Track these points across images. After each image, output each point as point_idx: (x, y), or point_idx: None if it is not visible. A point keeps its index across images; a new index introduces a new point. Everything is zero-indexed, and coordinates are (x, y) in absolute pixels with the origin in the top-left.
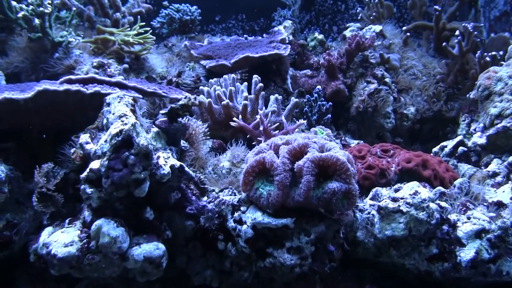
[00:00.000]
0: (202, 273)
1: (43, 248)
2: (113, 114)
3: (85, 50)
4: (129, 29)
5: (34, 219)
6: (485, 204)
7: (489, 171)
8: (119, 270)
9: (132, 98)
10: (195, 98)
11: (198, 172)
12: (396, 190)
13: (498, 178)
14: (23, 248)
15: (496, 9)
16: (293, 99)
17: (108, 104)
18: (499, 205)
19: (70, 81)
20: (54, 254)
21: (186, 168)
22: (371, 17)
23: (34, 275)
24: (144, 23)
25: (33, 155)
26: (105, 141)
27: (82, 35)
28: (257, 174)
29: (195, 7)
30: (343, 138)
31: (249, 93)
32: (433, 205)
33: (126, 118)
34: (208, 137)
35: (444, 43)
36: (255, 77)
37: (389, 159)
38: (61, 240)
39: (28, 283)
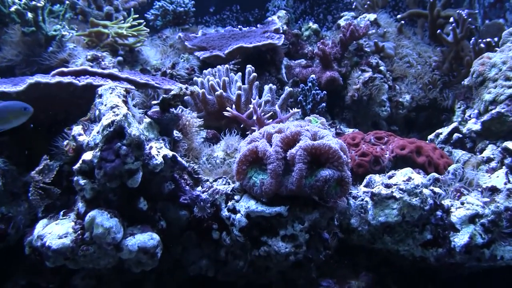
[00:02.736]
0: (197, 263)
1: (38, 240)
2: (105, 105)
3: (79, 43)
4: (123, 21)
5: (29, 212)
6: (479, 189)
7: (483, 157)
8: (114, 260)
9: (124, 89)
10: (186, 88)
11: (192, 162)
12: (390, 177)
13: (493, 164)
14: (19, 241)
15: None
16: (287, 89)
17: (100, 96)
18: (493, 190)
19: (62, 74)
20: (49, 246)
21: (179, 158)
22: (366, 6)
23: (30, 268)
24: (138, 16)
25: (27, 148)
26: (97, 132)
27: (76, 29)
28: (250, 163)
29: None
30: (338, 127)
31: (243, 83)
32: (426, 191)
33: (118, 109)
34: (202, 128)
35: (438, 31)
36: (249, 67)
37: (383, 146)
38: (55, 232)
39: (24, 275)
